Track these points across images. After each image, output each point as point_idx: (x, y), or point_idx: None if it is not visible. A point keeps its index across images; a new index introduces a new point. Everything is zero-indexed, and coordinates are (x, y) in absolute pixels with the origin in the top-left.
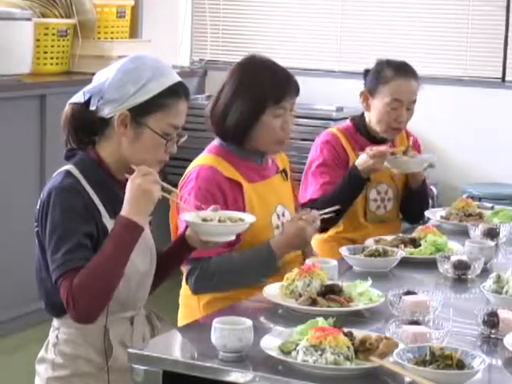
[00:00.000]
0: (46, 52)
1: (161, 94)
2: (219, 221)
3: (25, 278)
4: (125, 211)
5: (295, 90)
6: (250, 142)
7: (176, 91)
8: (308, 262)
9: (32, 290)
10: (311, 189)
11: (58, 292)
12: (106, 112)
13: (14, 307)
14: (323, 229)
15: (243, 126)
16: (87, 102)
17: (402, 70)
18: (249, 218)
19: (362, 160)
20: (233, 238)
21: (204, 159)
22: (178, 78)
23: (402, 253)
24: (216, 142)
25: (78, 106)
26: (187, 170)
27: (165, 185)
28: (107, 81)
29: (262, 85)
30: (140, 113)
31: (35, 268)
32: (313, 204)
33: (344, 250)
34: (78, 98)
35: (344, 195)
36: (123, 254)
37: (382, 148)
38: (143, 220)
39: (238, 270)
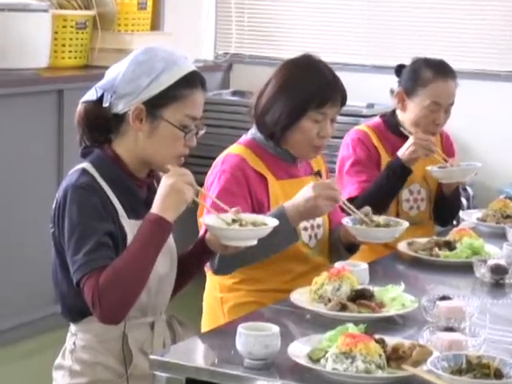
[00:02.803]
0: (63, 45)
1: (175, 85)
2: (240, 225)
3: (41, 281)
4: (155, 208)
5: (341, 98)
6: (284, 142)
7: (191, 81)
8: (337, 265)
9: (48, 293)
10: (348, 188)
11: (75, 295)
12: (119, 107)
13: (29, 311)
14: (351, 248)
15: (281, 126)
16: (100, 99)
17: (442, 71)
18: (272, 222)
19: (404, 149)
20: (254, 242)
21: (233, 149)
22: (193, 68)
23: (406, 223)
24: (249, 135)
25: (91, 104)
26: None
27: (197, 187)
28: (119, 75)
29: (307, 86)
30: (155, 105)
31: (51, 270)
32: (352, 203)
33: (347, 221)
34: (91, 95)
35: (386, 189)
36: (151, 251)
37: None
38: (173, 217)
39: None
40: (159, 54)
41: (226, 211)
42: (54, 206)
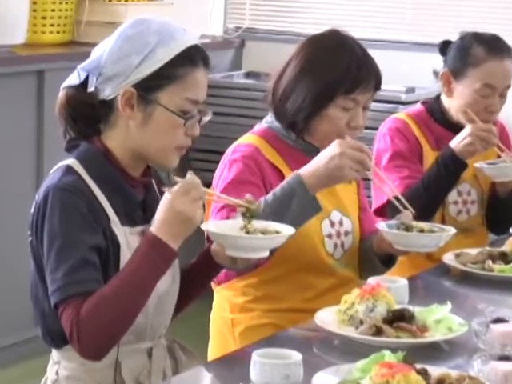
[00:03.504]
0: (44, 17)
1: (172, 63)
2: (247, 232)
3: (18, 299)
4: (157, 230)
5: (375, 81)
6: (307, 133)
7: (191, 57)
8: (371, 280)
9: (27, 314)
10: (387, 187)
11: (58, 317)
12: (107, 92)
13: (4, 334)
14: (387, 260)
15: (304, 115)
16: (84, 83)
17: (496, 48)
18: (287, 230)
19: (458, 139)
20: (266, 254)
21: (245, 138)
22: (193, 41)
23: (453, 229)
24: (264, 124)
25: (74, 90)
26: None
27: (204, 190)
28: (104, 53)
29: (335, 67)
30: (148, 88)
31: (30, 286)
32: (392, 205)
33: (382, 225)
34: (73, 78)
35: (435, 188)
36: (148, 282)
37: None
38: (178, 245)
39: (274, 211)
40: (152, 26)
41: (236, 206)
42: (32, 209)
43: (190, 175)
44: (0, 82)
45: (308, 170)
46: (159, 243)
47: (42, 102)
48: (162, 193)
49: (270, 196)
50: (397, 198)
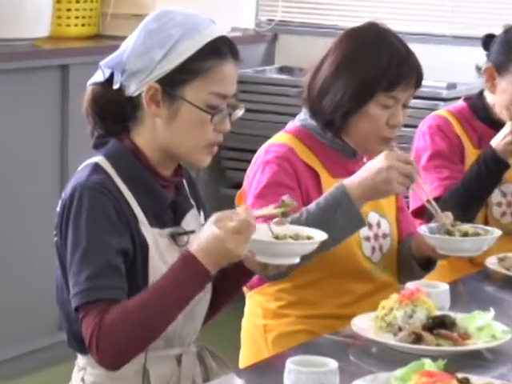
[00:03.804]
0: (69, 10)
1: (196, 56)
2: (277, 238)
3: (42, 303)
4: (195, 250)
5: (416, 78)
6: (344, 132)
7: (217, 49)
8: (410, 285)
9: (52, 319)
10: (427, 188)
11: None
12: (132, 89)
13: (29, 340)
14: (427, 264)
15: (342, 113)
16: (109, 80)
17: None
18: (319, 236)
19: (499, 138)
20: (296, 260)
21: (278, 138)
22: (219, 33)
23: (498, 232)
24: (297, 122)
25: (99, 87)
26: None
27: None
28: (127, 48)
29: (375, 63)
30: (172, 83)
31: (55, 288)
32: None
33: (424, 229)
34: (98, 75)
35: (476, 188)
36: (179, 302)
37: None
38: (213, 270)
39: (317, 222)
40: (176, 18)
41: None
42: (58, 208)
43: (244, 212)
44: (23, 77)
45: (353, 181)
46: (197, 265)
47: (67, 98)
48: (194, 194)
49: (312, 206)
50: (429, 202)
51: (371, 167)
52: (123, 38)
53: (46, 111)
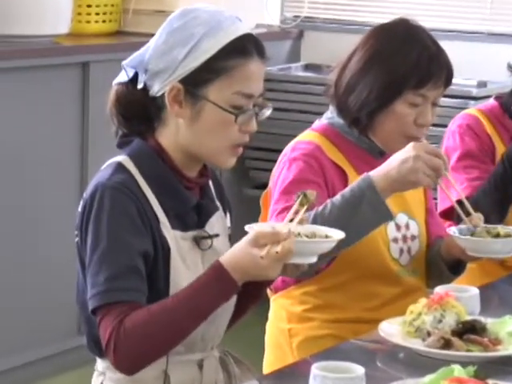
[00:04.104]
0: (89, 6)
1: (220, 55)
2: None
3: (61, 306)
4: (226, 262)
5: (446, 77)
6: (371, 131)
7: (241, 47)
8: (439, 289)
9: (71, 322)
10: (458, 187)
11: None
12: (155, 89)
13: (48, 343)
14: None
15: (368, 111)
16: (134, 80)
17: None
18: (337, 235)
19: None
20: (313, 260)
21: (304, 136)
22: (244, 31)
23: None
24: (324, 120)
25: (123, 87)
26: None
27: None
28: (149, 47)
29: (404, 60)
30: (195, 83)
31: (76, 290)
32: (462, 207)
33: (453, 231)
34: (123, 75)
35: (502, 189)
36: (203, 309)
37: None
38: (241, 282)
39: (343, 214)
40: (200, 16)
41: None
42: (79, 208)
43: (286, 234)
44: (43, 75)
45: (379, 172)
46: (228, 280)
47: (87, 96)
48: (221, 195)
49: (337, 198)
50: (461, 203)
51: (397, 157)
52: (145, 35)
53: (66, 109)
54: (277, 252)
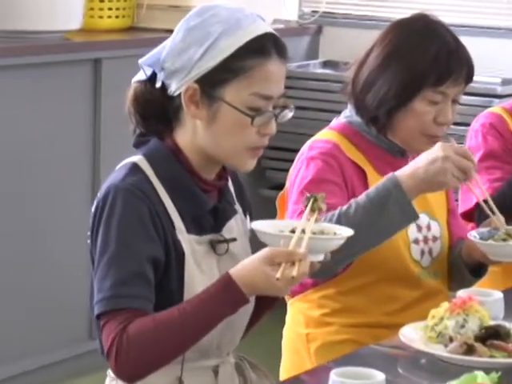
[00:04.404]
0: (102, 0)
1: (237, 54)
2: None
3: (73, 310)
4: (236, 275)
5: (467, 74)
6: (389, 129)
7: (261, 47)
8: (461, 293)
9: (83, 326)
10: (477, 190)
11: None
12: (172, 88)
13: (59, 348)
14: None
15: (386, 109)
16: (152, 78)
17: None
18: (346, 232)
19: None
20: (321, 257)
21: (322, 135)
22: (264, 30)
23: None
24: (342, 119)
25: (142, 85)
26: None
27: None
28: (166, 45)
29: (423, 56)
30: (212, 83)
31: (89, 293)
32: (480, 209)
33: (474, 235)
34: (141, 73)
35: None
36: (209, 320)
37: None
38: (250, 296)
39: (367, 214)
40: (219, 13)
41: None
42: (93, 208)
43: (302, 255)
44: (53, 72)
45: (405, 172)
46: (235, 290)
47: (99, 94)
48: (241, 197)
49: (362, 197)
50: (486, 202)
51: (425, 157)
52: (159, 31)
53: (77, 108)
54: (293, 277)
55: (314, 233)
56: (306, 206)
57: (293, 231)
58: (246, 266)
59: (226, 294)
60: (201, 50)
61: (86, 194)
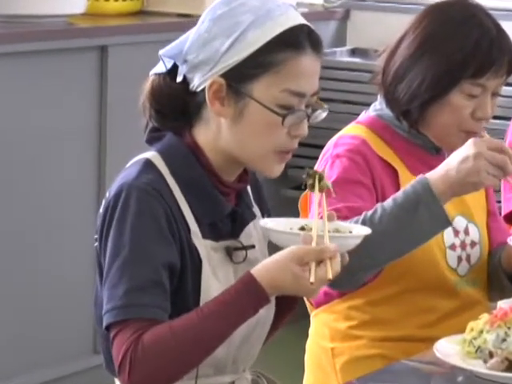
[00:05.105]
0: None
1: (267, 47)
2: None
3: (78, 325)
4: (258, 275)
5: (508, 64)
6: (423, 124)
7: (293, 40)
8: (503, 304)
9: (87, 339)
10: None
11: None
12: (195, 83)
13: (62, 364)
14: None
15: (420, 101)
16: (172, 71)
17: None
18: (363, 231)
19: None
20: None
21: (349, 129)
22: (298, 21)
23: None
24: (372, 112)
25: (160, 78)
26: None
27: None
28: (189, 36)
29: (461, 45)
30: (239, 78)
31: (94, 301)
32: None
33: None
34: (160, 66)
35: None
36: (230, 324)
37: None
38: (272, 294)
39: (395, 220)
40: (247, 2)
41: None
42: (101, 208)
43: (334, 251)
44: (56, 59)
45: (437, 173)
46: (259, 291)
47: (106, 83)
48: (260, 199)
49: (388, 202)
50: None
51: (456, 156)
52: (171, 15)
53: (82, 98)
54: (329, 279)
55: (329, 232)
56: (309, 184)
57: (302, 229)
58: (269, 267)
59: (249, 298)
60: (228, 41)
61: (90, 193)
